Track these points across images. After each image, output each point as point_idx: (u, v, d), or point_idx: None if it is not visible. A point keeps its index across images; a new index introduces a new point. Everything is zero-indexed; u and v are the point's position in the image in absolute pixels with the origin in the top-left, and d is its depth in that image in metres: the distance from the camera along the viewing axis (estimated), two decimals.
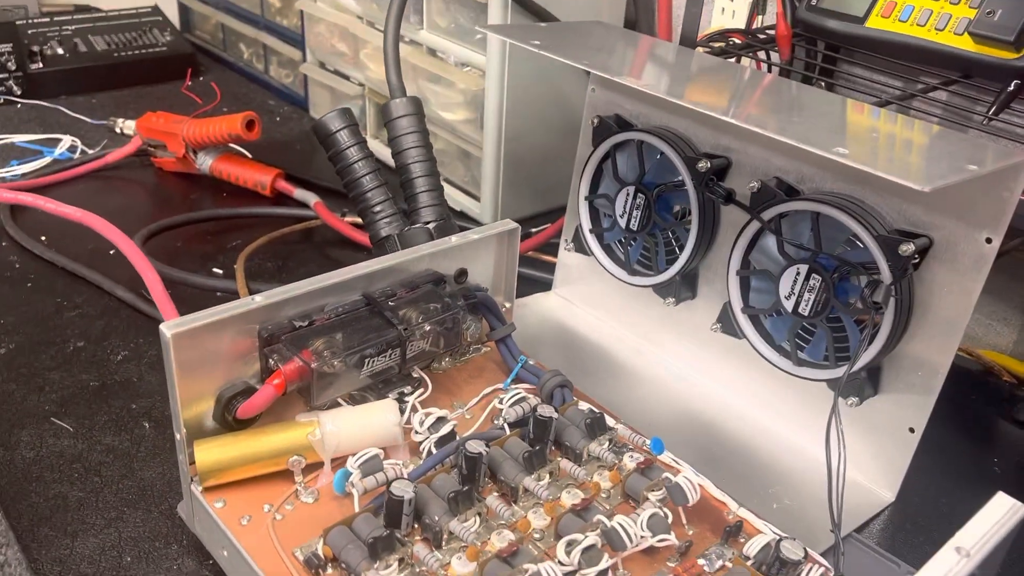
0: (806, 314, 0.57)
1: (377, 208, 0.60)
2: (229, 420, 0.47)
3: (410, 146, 0.61)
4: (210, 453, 0.46)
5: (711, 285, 0.65)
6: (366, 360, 0.50)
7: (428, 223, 0.60)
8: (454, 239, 0.56)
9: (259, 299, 0.47)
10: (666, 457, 0.52)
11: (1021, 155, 0.47)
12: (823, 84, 0.75)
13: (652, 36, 0.89)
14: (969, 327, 0.80)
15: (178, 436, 0.46)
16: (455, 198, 0.93)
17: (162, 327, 0.44)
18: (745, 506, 0.49)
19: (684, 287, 0.66)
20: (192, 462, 0.46)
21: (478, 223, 0.91)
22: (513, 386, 0.57)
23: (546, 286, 0.79)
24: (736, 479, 0.58)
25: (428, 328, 0.53)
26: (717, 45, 0.69)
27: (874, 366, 0.56)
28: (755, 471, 0.59)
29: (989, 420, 0.67)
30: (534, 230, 0.84)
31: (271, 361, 0.48)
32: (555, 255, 0.77)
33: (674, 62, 0.62)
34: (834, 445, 0.49)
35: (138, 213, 0.88)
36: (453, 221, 0.62)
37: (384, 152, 0.65)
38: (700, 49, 0.70)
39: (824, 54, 0.75)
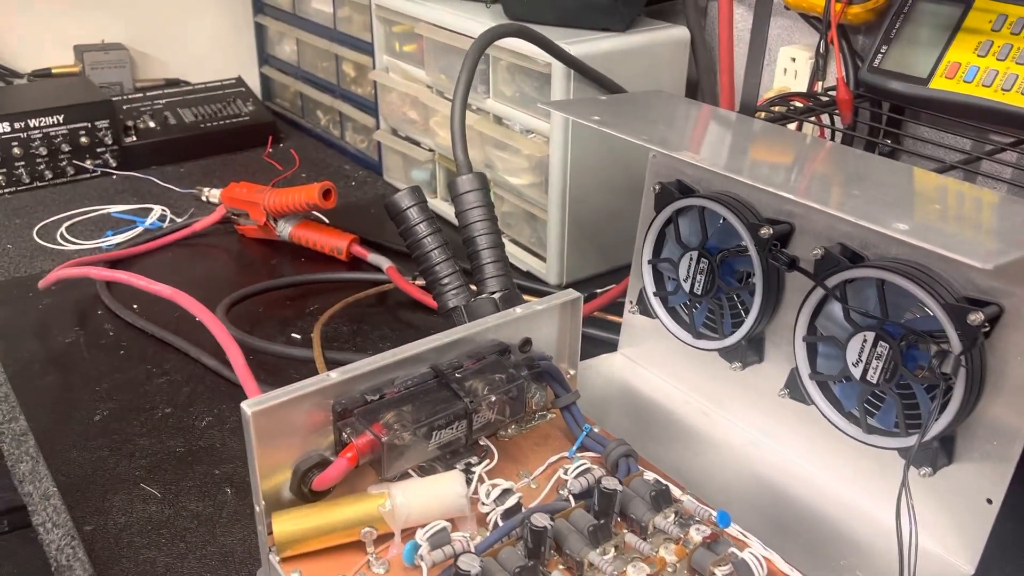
0: (875, 381, 0.57)
1: (445, 280, 0.62)
2: (305, 492, 0.50)
3: (476, 220, 0.63)
4: (288, 525, 0.48)
5: (779, 349, 0.65)
6: (434, 432, 0.51)
7: (493, 293, 0.62)
8: (519, 310, 0.58)
9: (334, 375, 0.50)
10: (733, 530, 0.51)
11: None
12: (888, 145, 0.75)
13: (715, 98, 0.90)
14: None
15: (257, 508, 0.49)
16: (522, 259, 0.95)
17: (243, 405, 0.46)
18: None
19: (751, 351, 0.66)
20: (270, 533, 0.48)
21: (544, 283, 0.92)
22: (578, 455, 0.58)
23: (612, 346, 0.79)
24: (807, 550, 0.57)
25: (494, 399, 0.54)
26: (778, 109, 0.70)
27: (947, 435, 0.55)
28: (827, 541, 0.58)
29: None
30: (599, 291, 0.85)
31: (344, 434, 0.50)
32: (621, 314, 0.78)
33: (733, 131, 0.63)
34: (905, 519, 0.48)
35: (223, 279, 0.93)
36: (517, 291, 0.64)
37: (449, 211, 0.68)
38: (762, 114, 0.71)
39: (889, 116, 0.75)
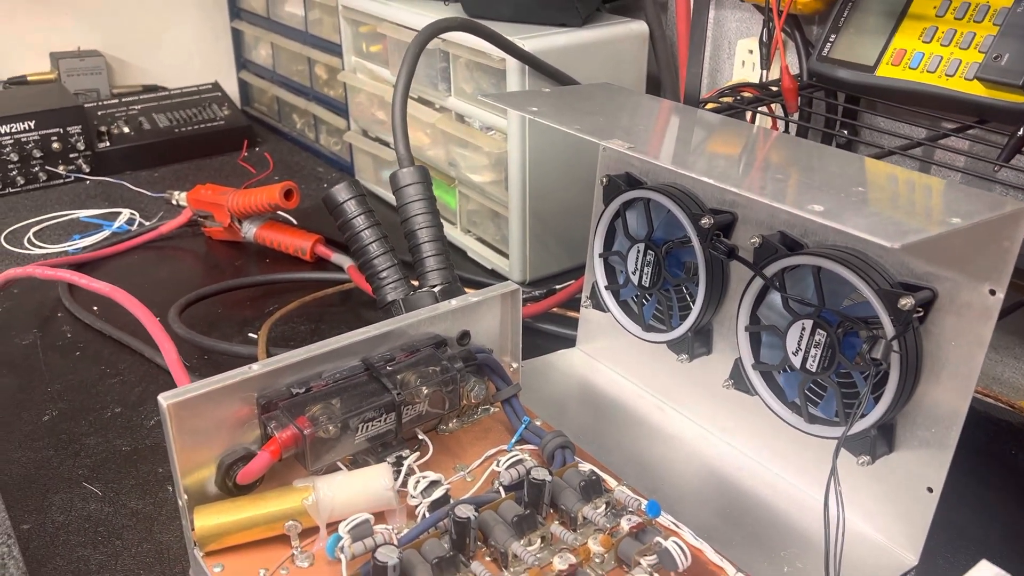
0: (814, 370, 0.56)
1: (383, 274, 0.62)
2: (230, 486, 0.49)
3: (416, 213, 0.63)
4: (209, 519, 0.48)
5: (726, 340, 0.65)
6: (360, 425, 0.51)
7: (434, 287, 0.62)
8: (454, 302, 0.57)
9: (256, 368, 0.49)
10: (665, 520, 0.51)
11: (1015, 204, 0.46)
12: (844, 136, 0.74)
13: (676, 92, 0.90)
14: (1013, 377, 0.77)
15: (180, 502, 0.48)
16: (487, 257, 0.95)
17: (160, 398, 0.46)
18: (744, 571, 0.48)
19: (698, 343, 0.66)
20: (193, 528, 0.48)
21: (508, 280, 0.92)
22: (517, 448, 0.57)
23: (572, 342, 0.79)
24: (751, 540, 0.56)
25: (426, 391, 0.54)
26: (725, 101, 0.69)
27: (887, 423, 0.54)
28: (769, 532, 0.57)
29: None
30: (558, 287, 0.85)
31: (269, 428, 0.50)
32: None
33: (672, 121, 0.62)
34: (833, 509, 0.47)
35: (187, 280, 0.93)
36: (459, 284, 0.63)
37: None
38: (710, 105, 0.71)
39: (845, 106, 0.74)
